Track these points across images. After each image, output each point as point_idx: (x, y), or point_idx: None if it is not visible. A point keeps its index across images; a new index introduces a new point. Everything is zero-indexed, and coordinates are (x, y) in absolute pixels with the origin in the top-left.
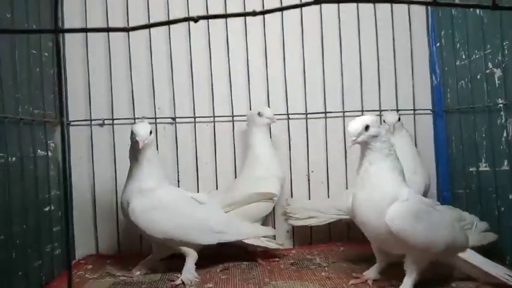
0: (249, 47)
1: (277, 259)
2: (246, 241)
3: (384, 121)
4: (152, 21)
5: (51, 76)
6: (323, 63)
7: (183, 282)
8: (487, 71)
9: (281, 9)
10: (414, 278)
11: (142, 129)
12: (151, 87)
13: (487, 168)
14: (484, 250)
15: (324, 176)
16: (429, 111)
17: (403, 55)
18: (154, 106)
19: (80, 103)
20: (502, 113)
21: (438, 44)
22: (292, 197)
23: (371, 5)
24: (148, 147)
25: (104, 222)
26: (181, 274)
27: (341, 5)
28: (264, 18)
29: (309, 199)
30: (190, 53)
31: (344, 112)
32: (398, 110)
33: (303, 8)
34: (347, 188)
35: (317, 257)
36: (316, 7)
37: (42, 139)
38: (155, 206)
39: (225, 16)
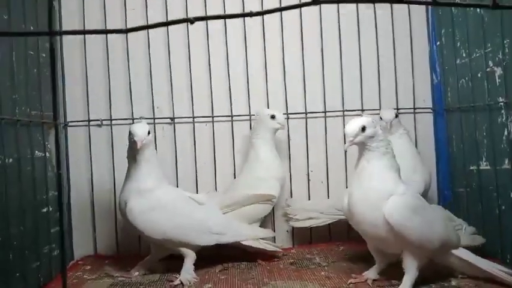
0: (248, 46)
1: (276, 259)
2: (245, 243)
3: (381, 118)
4: (150, 22)
5: (49, 77)
6: (323, 62)
7: (182, 283)
8: (488, 70)
9: (279, 9)
10: (413, 276)
11: (140, 130)
12: (149, 87)
13: (488, 167)
14: (479, 250)
15: (323, 176)
16: (429, 110)
17: (403, 54)
18: (153, 106)
19: (78, 104)
20: (502, 111)
21: (438, 43)
22: (291, 197)
23: (370, 4)
24: (146, 148)
25: (102, 222)
26: (179, 275)
27: (340, 4)
28: (263, 18)
29: (309, 199)
30: (189, 52)
31: (343, 111)
32: (398, 109)
33: (303, 7)
34: (347, 188)
35: (317, 256)
36: (315, 6)
37: (40, 140)
38: (153, 206)
39: (222, 17)
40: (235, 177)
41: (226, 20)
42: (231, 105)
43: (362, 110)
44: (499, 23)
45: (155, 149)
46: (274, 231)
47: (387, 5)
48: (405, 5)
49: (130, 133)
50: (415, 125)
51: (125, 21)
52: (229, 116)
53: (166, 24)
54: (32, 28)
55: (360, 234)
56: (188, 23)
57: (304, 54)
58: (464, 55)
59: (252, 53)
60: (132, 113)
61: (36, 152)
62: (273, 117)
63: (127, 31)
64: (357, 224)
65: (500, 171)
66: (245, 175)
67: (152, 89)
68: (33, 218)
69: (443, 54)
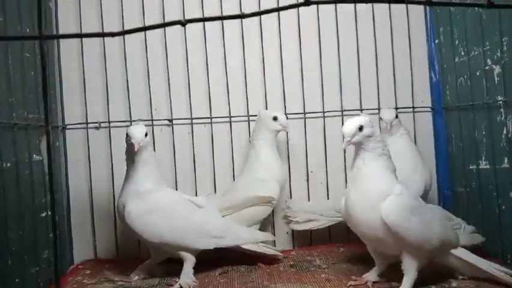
0: (245, 46)
1: (276, 261)
2: (244, 246)
3: (381, 119)
4: (147, 24)
5: (47, 80)
6: (321, 61)
7: (181, 287)
8: (486, 68)
9: (271, 10)
10: (412, 277)
11: (137, 132)
12: (147, 89)
13: (487, 166)
14: (479, 250)
15: (323, 177)
16: (428, 109)
17: (401, 52)
18: (151, 108)
19: (76, 106)
20: (501, 110)
21: (437, 41)
22: (291, 197)
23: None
24: (144, 150)
25: (102, 226)
26: (179, 278)
27: (337, 3)
28: (260, 18)
29: (309, 200)
30: (186, 53)
31: (342, 111)
32: (397, 108)
33: (298, 7)
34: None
35: (317, 258)
36: (313, 6)
37: (38, 143)
38: (151, 209)
39: (214, 19)
40: (234, 179)
41: (224, 22)
42: (229, 106)
43: (361, 110)
44: (497, 21)
45: (154, 150)
46: (274, 232)
47: (385, 4)
48: (403, 3)
49: (127, 135)
50: (414, 124)
51: (122, 24)
52: (227, 117)
53: (157, 27)
54: (28, 30)
55: (358, 236)
56: (180, 26)
57: (302, 53)
58: (462, 53)
59: (249, 53)
60: (130, 115)
61: (34, 155)
62: (275, 118)
63: (116, 34)
64: (355, 226)
65: (499, 171)
66: (245, 176)
67: (150, 91)
68: (32, 222)
69: (442, 52)
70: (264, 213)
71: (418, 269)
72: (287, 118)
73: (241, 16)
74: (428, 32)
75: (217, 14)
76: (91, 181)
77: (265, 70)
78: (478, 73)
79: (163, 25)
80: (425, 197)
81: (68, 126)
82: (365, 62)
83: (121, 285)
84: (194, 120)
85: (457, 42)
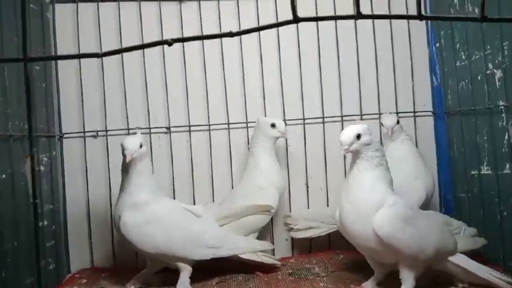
0: (244, 53)
1: (275, 269)
2: (242, 256)
3: (382, 124)
4: (146, 41)
5: (43, 89)
6: (320, 66)
7: None
8: (488, 72)
9: (258, 29)
10: (410, 286)
11: (131, 144)
12: (144, 97)
13: (489, 172)
14: (480, 255)
15: (323, 183)
16: (430, 113)
17: (402, 56)
18: (148, 116)
19: (73, 115)
20: (503, 115)
21: (437, 44)
22: (291, 204)
23: (368, 7)
24: (138, 161)
25: (99, 234)
26: None
27: (338, 8)
28: (258, 23)
29: (308, 206)
30: (184, 61)
31: (342, 117)
32: (397, 113)
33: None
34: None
35: (316, 266)
36: (312, 10)
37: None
38: (148, 220)
39: (200, 38)
40: (232, 186)
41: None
42: (227, 113)
43: (361, 115)
44: (498, 25)
45: (151, 159)
46: (273, 239)
47: (386, 8)
48: (404, 8)
49: (121, 146)
50: (415, 128)
51: (120, 41)
52: (225, 124)
53: (142, 47)
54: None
55: (354, 246)
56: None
57: (301, 59)
58: (463, 57)
59: (248, 59)
60: (128, 123)
61: None
62: (273, 125)
63: (102, 55)
64: (349, 237)
65: (501, 176)
66: (244, 184)
67: (147, 98)
68: (28, 232)
69: (443, 56)
70: (263, 222)
71: (416, 277)
72: (286, 124)
73: (229, 35)
74: (428, 35)
75: (215, 23)
76: (88, 190)
77: (263, 76)
78: (479, 77)
79: (148, 45)
80: (427, 203)
81: (65, 135)
82: (365, 67)
83: None
84: (192, 128)
85: (457, 46)
